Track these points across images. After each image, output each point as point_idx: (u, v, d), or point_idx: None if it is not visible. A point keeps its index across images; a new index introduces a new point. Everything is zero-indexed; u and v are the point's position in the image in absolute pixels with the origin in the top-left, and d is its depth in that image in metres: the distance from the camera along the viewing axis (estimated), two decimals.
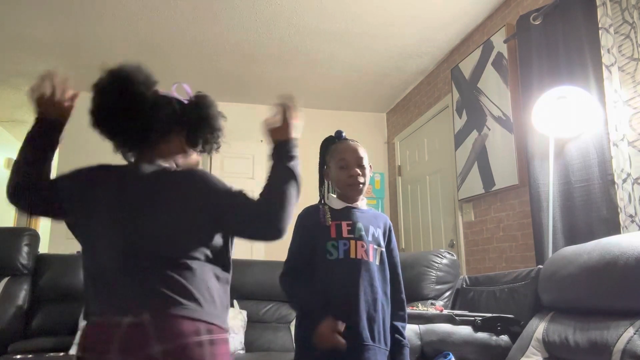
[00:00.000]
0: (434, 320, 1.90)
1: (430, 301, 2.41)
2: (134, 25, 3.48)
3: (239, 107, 4.97)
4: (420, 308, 2.08)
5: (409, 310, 1.97)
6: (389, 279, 1.53)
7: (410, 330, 1.83)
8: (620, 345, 1.37)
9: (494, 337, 1.88)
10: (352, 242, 1.47)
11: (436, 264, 2.53)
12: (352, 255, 1.46)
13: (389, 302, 1.51)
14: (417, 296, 2.45)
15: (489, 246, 3.28)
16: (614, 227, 2.14)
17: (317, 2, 3.20)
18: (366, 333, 1.41)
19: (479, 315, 1.93)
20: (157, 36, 3.63)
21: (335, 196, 1.58)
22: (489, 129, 3.25)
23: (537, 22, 2.69)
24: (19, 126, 5.61)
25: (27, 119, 5.49)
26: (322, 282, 1.46)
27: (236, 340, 2.50)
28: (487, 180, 3.24)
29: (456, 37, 3.69)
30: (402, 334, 1.52)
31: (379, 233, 1.55)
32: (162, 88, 1.36)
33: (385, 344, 1.46)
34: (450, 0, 3.20)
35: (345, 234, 1.48)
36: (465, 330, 1.88)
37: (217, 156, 4.59)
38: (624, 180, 2.12)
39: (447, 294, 2.51)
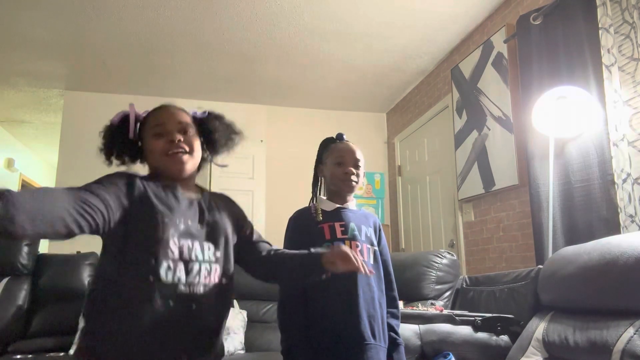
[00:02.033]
0: (434, 320, 1.90)
1: (430, 301, 2.41)
2: (134, 25, 3.48)
3: (239, 107, 4.97)
4: (420, 308, 2.08)
5: (409, 310, 1.98)
6: (382, 276, 1.54)
7: (410, 330, 1.83)
8: (620, 345, 1.37)
9: (494, 337, 1.88)
10: (347, 243, 1.48)
11: (436, 264, 2.53)
12: None
13: (384, 299, 1.52)
14: (417, 296, 2.45)
15: (489, 246, 3.28)
16: (614, 227, 2.15)
17: (317, 2, 3.20)
18: (368, 332, 1.42)
19: (479, 315, 1.93)
20: (157, 36, 3.63)
21: (325, 198, 1.59)
22: (489, 129, 3.25)
23: (537, 22, 2.69)
24: (19, 126, 5.62)
25: (27, 118, 5.51)
26: (320, 285, 1.46)
27: (236, 340, 2.50)
28: (487, 180, 3.24)
29: (456, 37, 3.69)
30: (396, 332, 1.54)
31: (371, 232, 1.56)
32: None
33: (385, 341, 1.47)
34: (450, 0, 3.20)
35: (339, 235, 1.49)
36: (465, 330, 1.88)
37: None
38: (624, 180, 2.12)
39: (447, 294, 2.51)
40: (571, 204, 2.38)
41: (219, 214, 1.32)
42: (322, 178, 1.62)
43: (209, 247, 1.23)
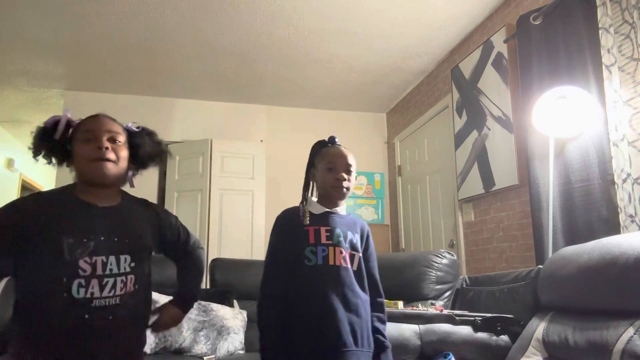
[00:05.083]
0: (434, 320, 1.90)
1: (430, 301, 2.41)
2: (134, 25, 3.48)
3: (239, 107, 4.98)
4: (420, 308, 2.08)
5: (409, 310, 1.98)
6: (366, 282, 1.54)
7: (410, 330, 1.83)
8: (620, 345, 1.37)
9: (494, 337, 1.87)
10: (331, 249, 1.47)
11: (436, 264, 2.53)
12: (331, 262, 1.46)
13: (368, 304, 1.52)
14: (417, 296, 2.45)
15: (489, 246, 3.28)
16: (614, 227, 2.14)
17: (317, 2, 3.20)
18: (349, 339, 1.41)
19: (479, 315, 1.93)
20: (157, 36, 3.63)
21: (315, 200, 1.58)
22: (489, 129, 3.25)
23: (537, 22, 2.69)
24: (19, 126, 5.61)
25: (27, 118, 5.50)
26: (300, 289, 1.46)
27: (236, 340, 2.50)
28: (487, 180, 3.24)
29: (456, 37, 3.69)
30: (384, 335, 1.54)
31: (357, 239, 1.56)
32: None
33: (369, 345, 1.47)
34: (450, 1, 3.20)
35: (323, 240, 1.48)
36: (465, 330, 1.88)
37: (217, 156, 4.59)
38: (624, 180, 2.12)
39: (447, 294, 2.51)
40: (571, 204, 2.38)
41: (137, 223, 1.38)
42: (314, 182, 1.60)
43: (125, 259, 1.28)
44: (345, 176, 1.53)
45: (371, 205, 4.75)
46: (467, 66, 3.54)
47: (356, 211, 4.67)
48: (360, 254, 1.54)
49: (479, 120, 3.37)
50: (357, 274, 1.51)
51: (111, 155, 1.30)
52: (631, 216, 2.08)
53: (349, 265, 1.49)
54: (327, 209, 1.55)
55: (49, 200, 1.30)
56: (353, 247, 1.53)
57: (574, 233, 2.33)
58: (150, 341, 2.28)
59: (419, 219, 4.40)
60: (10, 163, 5.88)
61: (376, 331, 1.52)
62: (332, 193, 1.54)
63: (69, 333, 1.19)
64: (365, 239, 1.60)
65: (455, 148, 3.66)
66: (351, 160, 1.56)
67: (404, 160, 4.80)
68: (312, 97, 4.87)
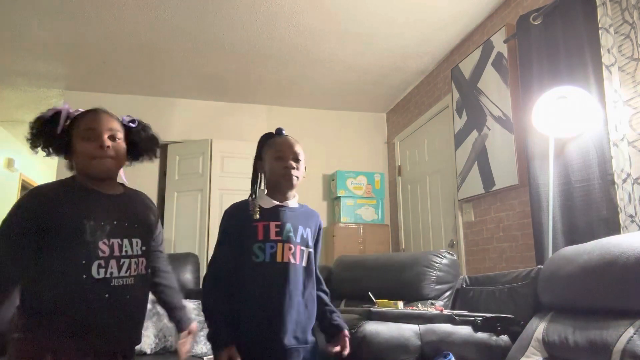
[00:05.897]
0: (434, 320, 1.90)
1: (430, 301, 2.41)
2: (134, 25, 3.48)
3: (239, 107, 4.98)
4: (420, 308, 2.08)
5: (409, 310, 1.98)
6: (314, 278, 1.53)
7: (410, 330, 1.83)
8: (620, 345, 1.37)
9: (494, 337, 1.87)
10: (280, 245, 1.45)
11: (436, 264, 2.52)
12: (279, 259, 1.44)
13: (314, 299, 1.52)
14: (417, 296, 2.45)
15: (489, 246, 3.28)
16: (614, 227, 2.14)
17: (317, 2, 3.20)
18: (289, 337, 1.41)
19: (479, 315, 1.93)
20: (157, 36, 3.63)
21: (265, 192, 1.56)
22: (489, 129, 3.25)
23: (537, 22, 2.69)
24: (19, 126, 5.61)
25: (27, 118, 5.48)
26: (247, 285, 1.44)
27: None
28: (487, 180, 3.24)
29: (456, 37, 3.69)
30: (339, 317, 1.56)
31: (308, 233, 1.54)
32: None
33: (307, 341, 1.47)
34: (450, 1, 3.20)
35: (273, 236, 1.46)
36: (465, 330, 1.88)
37: (217, 156, 4.59)
38: (624, 180, 2.12)
39: (447, 294, 2.51)
40: (571, 204, 2.38)
41: (142, 210, 1.46)
42: (262, 174, 1.59)
43: (137, 242, 1.37)
44: (294, 164, 1.52)
45: (371, 205, 4.75)
46: (467, 66, 3.54)
47: (356, 211, 4.66)
48: (311, 249, 1.53)
49: (479, 120, 3.37)
50: (306, 269, 1.50)
51: (112, 153, 1.36)
52: (631, 216, 2.08)
53: (298, 262, 1.47)
54: (278, 202, 1.53)
55: (64, 189, 1.34)
56: (304, 242, 1.51)
57: (574, 233, 2.33)
58: (150, 341, 2.28)
59: (419, 219, 4.40)
60: (10, 163, 5.87)
61: (332, 318, 1.54)
62: (282, 182, 1.53)
63: (90, 313, 1.26)
64: (316, 233, 1.58)
65: (455, 148, 3.66)
66: (299, 149, 1.55)
67: (404, 160, 4.80)
68: (312, 97, 4.87)
